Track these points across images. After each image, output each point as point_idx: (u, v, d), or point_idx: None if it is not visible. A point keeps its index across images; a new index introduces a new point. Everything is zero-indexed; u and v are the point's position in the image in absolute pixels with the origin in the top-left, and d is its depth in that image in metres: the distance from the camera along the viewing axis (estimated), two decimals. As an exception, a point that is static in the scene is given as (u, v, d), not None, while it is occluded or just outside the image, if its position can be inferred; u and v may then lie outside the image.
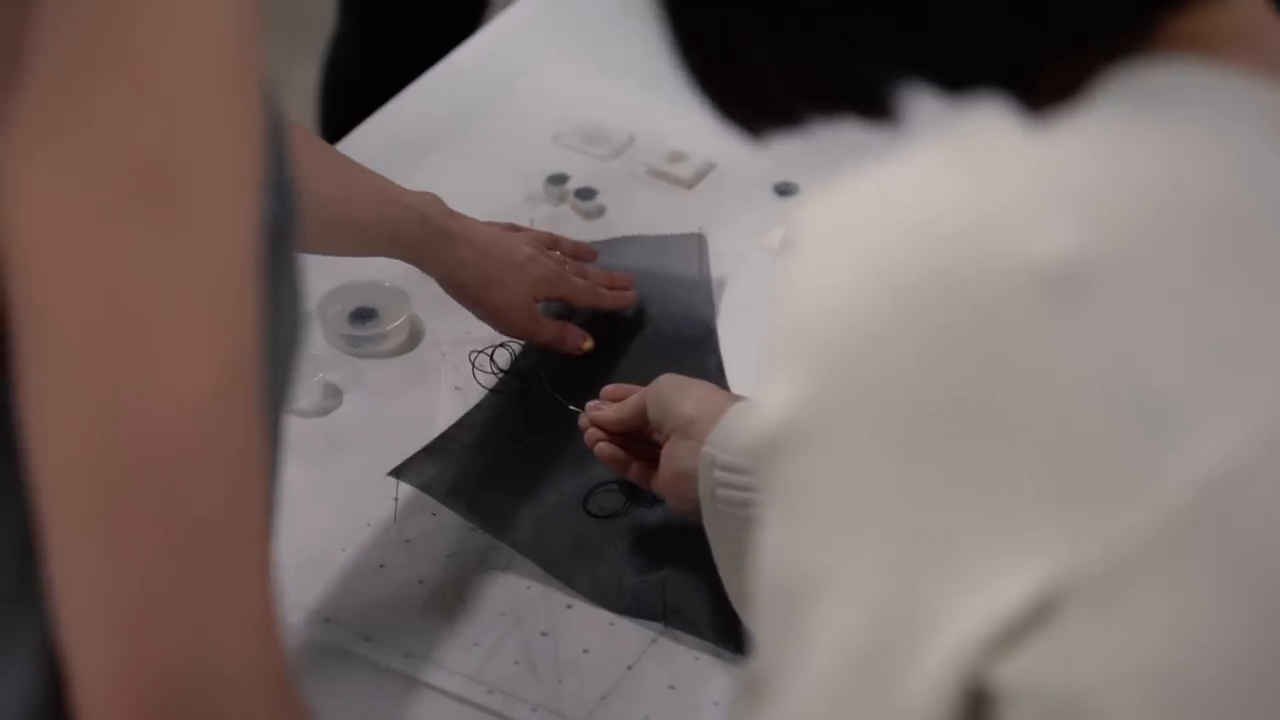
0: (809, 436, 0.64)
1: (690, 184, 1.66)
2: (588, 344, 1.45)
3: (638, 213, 1.63)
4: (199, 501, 0.66)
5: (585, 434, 1.30)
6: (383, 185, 1.39)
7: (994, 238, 0.62)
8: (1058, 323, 0.61)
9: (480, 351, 1.43)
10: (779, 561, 0.66)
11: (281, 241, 0.73)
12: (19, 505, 0.68)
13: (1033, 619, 0.61)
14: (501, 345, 1.44)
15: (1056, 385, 0.61)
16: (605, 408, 1.30)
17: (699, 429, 1.19)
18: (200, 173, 0.66)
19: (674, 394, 1.24)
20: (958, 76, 0.69)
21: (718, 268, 1.56)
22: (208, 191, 0.66)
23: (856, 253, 0.63)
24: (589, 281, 1.48)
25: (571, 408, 1.36)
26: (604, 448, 1.29)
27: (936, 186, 0.63)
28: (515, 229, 1.50)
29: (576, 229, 1.60)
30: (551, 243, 1.50)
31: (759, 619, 0.68)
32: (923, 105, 0.71)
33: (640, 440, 1.28)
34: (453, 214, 1.41)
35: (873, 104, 0.71)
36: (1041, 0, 0.66)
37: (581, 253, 1.53)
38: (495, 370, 1.43)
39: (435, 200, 1.41)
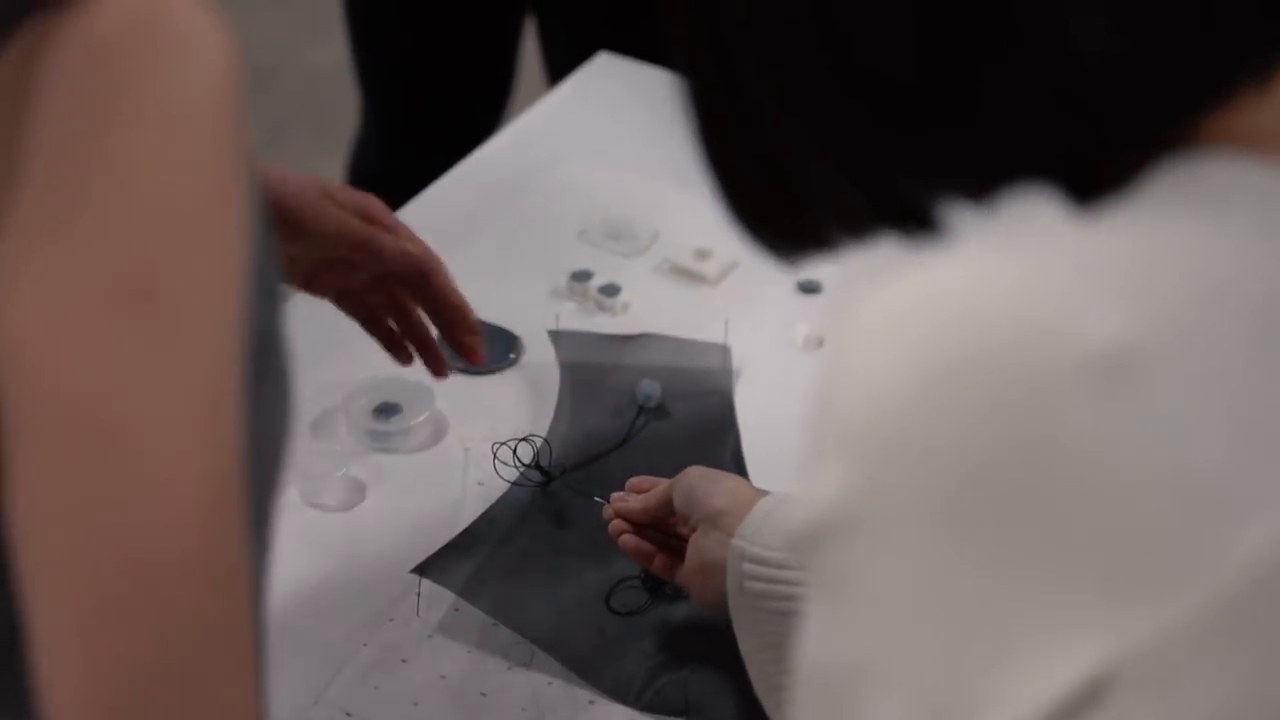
0: (856, 525, 0.64)
1: (714, 281, 1.67)
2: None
3: (662, 309, 1.63)
4: (185, 610, 0.67)
5: (610, 525, 1.30)
6: None
7: (1041, 325, 0.62)
8: (1106, 410, 0.61)
9: (503, 444, 1.43)
10: (824, 653, 0.66)
11: (268, 344, 0.74)
12: (6, 600, 0.68)
13: (1083, 703, 0.61)
14: (524, 439, 1.44)
15: (1105, 472, 0.61)
16: (630, 499, 1.30)
17: (728, 521, 1.19)
18: (186, 283, 0.67)
19: (703, 486, 1.24)
20: (1004, 175, 0.68)
21: (740, 364, 1.57)
22: (193, 301, 0.67)
23: (903, 341, 0.63)
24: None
25: (596, 499, 1.36)
26: (629, 539, 1.29)
27: (983, 275, 0.64)
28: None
29: (601, 325, 1.61)
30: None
31: (801, 713, 0.67)
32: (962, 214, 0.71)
33: (665, 533, 1.28)
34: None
35: (914, 219, 0.71)
36: (1090, 97, 0.66)
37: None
38: (518, 464, 1.43)
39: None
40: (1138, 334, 0.61)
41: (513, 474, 1.42)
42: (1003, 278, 0.63)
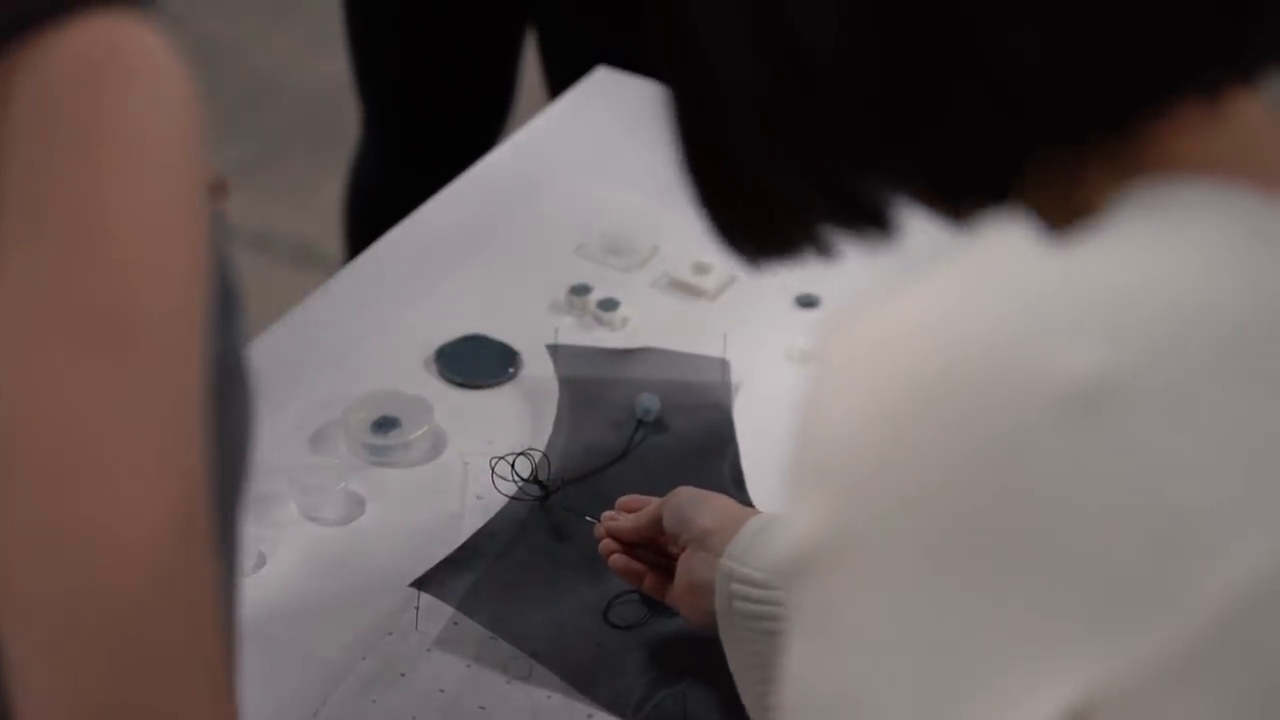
0: (836, 557, 0.64)
1: (713, 295, 1.67)
2: None
3: (661, 323, 1.63)
4: (154, 638, 0.68)
5: (600, 545, 1.30)
6: None
7: (1017, 357, 0.62)
8: (1084, 441, 0.61)
9: (501, 458, 1.43)
10: (806, 682, 0.66)
11: (229, 367, 0.75)
12: None
13: None
14: (522, 454, 1.44)
15: (1084, 504, 0.61)
16: (621, 518, 1.30)
17: (717, 541, 1.19)
18: (149, 312, 0.67)
19: (691, 506, 1.24)
20: (949, 180, 0.69)
21: (739, 378, 1.57)
22: (156, 330, 0.68)
23: (880, 373, 0.64)
24: None
25: (588, 519, 1.36)
26: (618, 559, 1.29)
27: (957, 306, 0.64)
28: None
29: (599, 339, 1.61)
30: None
31: None
32: (932, 228, 0.72)
33: (655, 551, 1.28)
34: None
35: (869, 219, 0.72)
36: (1022, 96, 0.67)
37: None
38: (516, 478, 1.43)
39: None
40: (1112, 367, 0.61)
41: (511, 488, 1.43)
42: (975, 311, 0.63)
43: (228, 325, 0.74)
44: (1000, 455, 0.62)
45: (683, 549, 1.23)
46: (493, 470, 1.43)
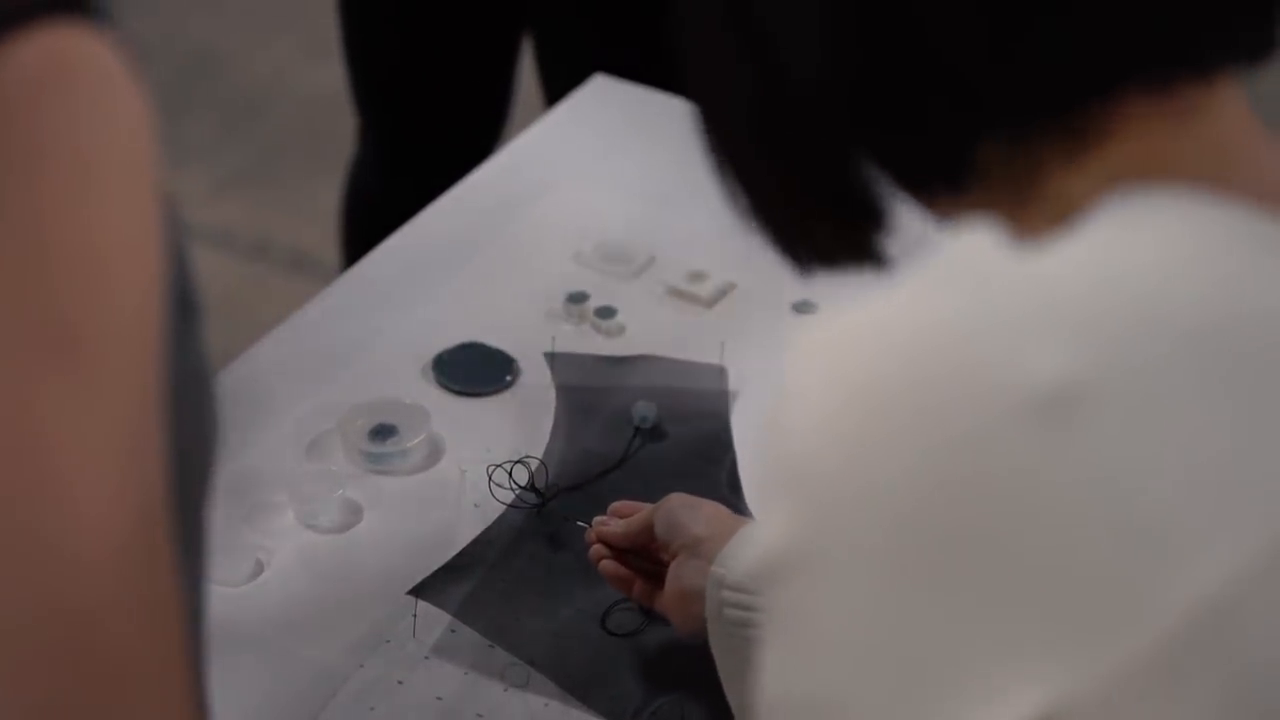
0: (806, 564, 0.64)
1: (710, 303, 1.67)
2: None
3: (657, 331, 1.63)
4: (116, 651, 0.67)
5: (590, 550, 1.30)
6: None
7: (982, 363, 0.62)
8: (1049, 447, 0.61)
9: (498, 466, 1.43)
10: (780, 688, 0.66)
11: (189, 382, 0.75)
12: None
13: None
14: (519, 461, 1.44)
15: (1050, 510, 0.61)
16: (612, 523, 1.30)
17: (709, 548, 1.19)
18: (104, 332, 0.67)
19: (683, 513, 1.24)
20: (914, 173, 0.70)
21: (736, 386, 1.57)
22: (110, 350, 0.67)
23: (845, 380, 0.64)
24: None
25: (580, 524, 1.36)
26: (608, 565, 1.29)
27: (923, 312, 0.64)
28: None
29: (596, 347, 1.61)
30: None
31: None
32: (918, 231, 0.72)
33: (646, 559, 1.28)
34: None
35: (861, 216, 0.72)
36: (973, 83, 0.67)
37: None
38: (513, 486, 1.43)
39: None
40: (1079, 371, 0.61)
41: (509, 496, 1.43)
42: (942, 314, 0.64)
43: (187, 332, 0.74)
44: (964, 461, 0.62)
45: (674, 556, 1.23)
46: (489, 479, 1.43)
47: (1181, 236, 0.66)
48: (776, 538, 0.65)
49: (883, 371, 0.63)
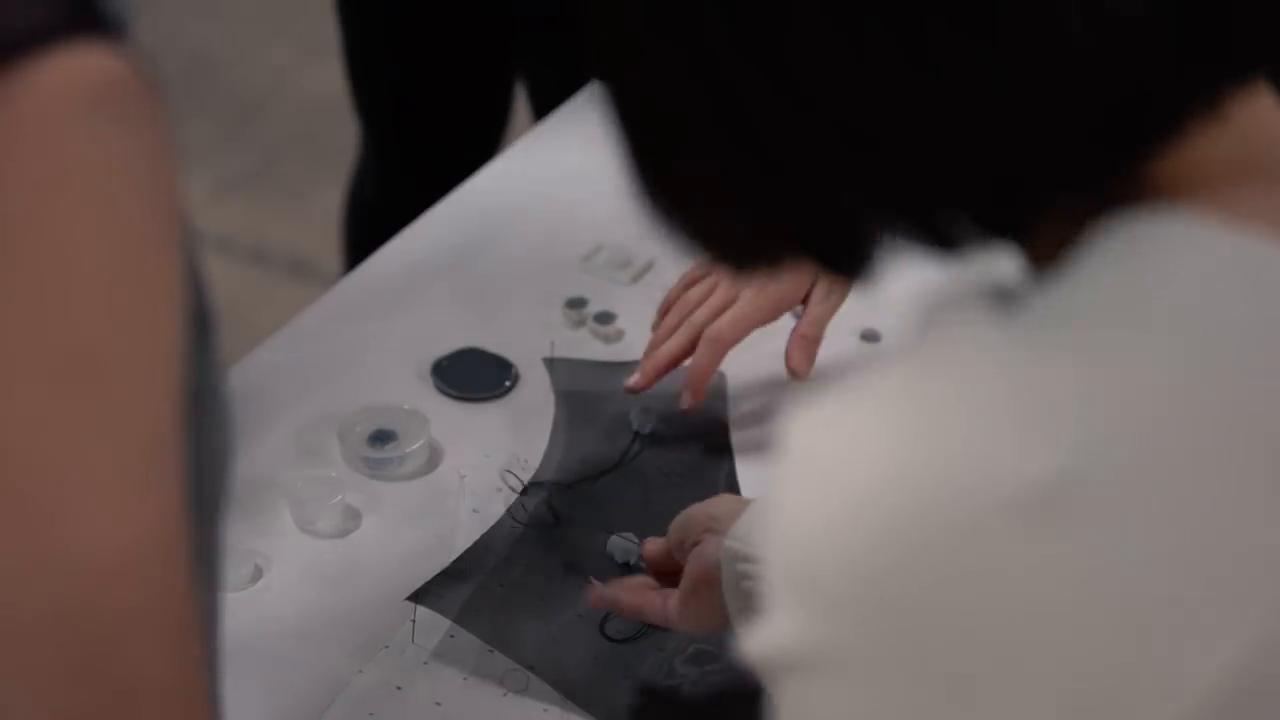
0: (813, 665, 0.64)
1: (708, 308, 1.67)
2: None
3: (656, 337, 1.63)
4: (131, 664, 0.68)
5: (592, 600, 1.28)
6: None
7: (975, 463, 0.62)
8: (1047, 544, 0.61)
9: (509, 471, 1.44)
10: None
11: (206, 398, 0.75)
12: None
13: None
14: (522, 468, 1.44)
15: (1054, 607, 0.61)
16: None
17: (726, 525, 1.17)
18: (120, 350, 0.68)
19: (698, 506, 1.22)
20: (918, 211, 0.68)
21: (734, 391, 1.57)
22: (128, 368, 0.68)
23: (840, 483, 0.64)
24: None
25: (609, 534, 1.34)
26: (608, 594, 1.27)
27: (911, 407, 0.64)
28: None
29: (595, 352, 1.61)
30: None
31: None
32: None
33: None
34: None
35: (842, 249, 0.71)
36: (994, 145, 0.65)
37: None
38: (519, 492, 1.43)
39: None
40: (1070, 467, 0.61)
41: (514, 500, 1.43)
42: (931, 410, 0.63)
43: (203, 348, 0.75)
44: (965, 564, 0.62)
45: (691, 547, 1.20)
46: (505, 485, 1.43)
47: (1180, 297, 0.64)
48: (784, 636, 0.65)
49: (876, 477, 0.63)
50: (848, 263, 0.71)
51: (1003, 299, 0.66)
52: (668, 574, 1.25)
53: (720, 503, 1.23)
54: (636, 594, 1.26)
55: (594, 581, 1.30)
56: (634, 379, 1.48)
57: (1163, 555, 0.61)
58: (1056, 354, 0.64)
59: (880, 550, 0.62)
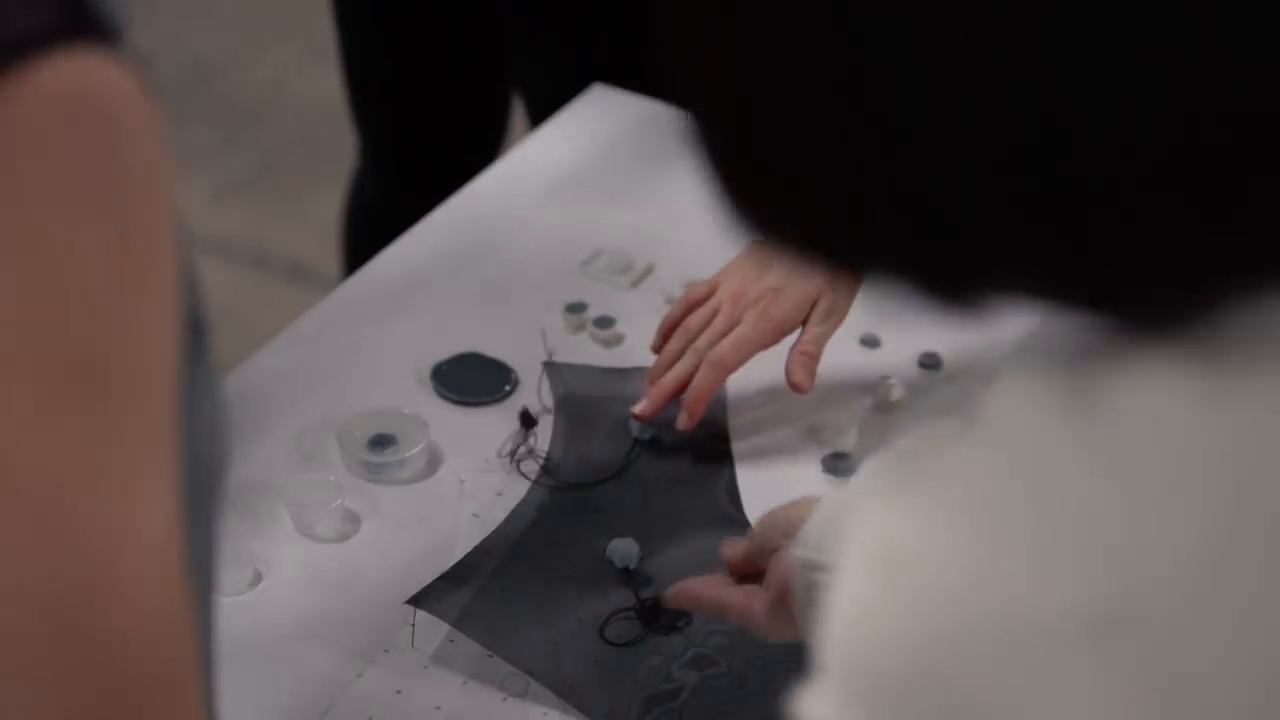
0: None
1: (707, 313, 1.67)
2: None
3: (655, 341, 1.63)
4: (127, 665, 0.68)
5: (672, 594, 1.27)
6: None
7: (1036, 582, 0.62)
8: (1109, 664, 0.61)
9: (518, 460, 1.45)
10: None
11: (202, 402, 0.75)
12: None
13: None
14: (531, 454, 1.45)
15: None
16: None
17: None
18: (116, 353, 0.68)
19: (779, 511, 1.17)
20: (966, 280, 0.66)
21: (734, 397, 1.57)
22: (124, 371, 0.68)
23: (906, 584, 0.64)
24: None
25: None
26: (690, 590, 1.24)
27: (983, 521, 0.64)
28: None
29: (595, 357, 1.61)
30: None
31: None
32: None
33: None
34: None
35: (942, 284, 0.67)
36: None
37: None
38: (535, 458, 1.46)
39: None
40: (1126, 590, 0.61)
41: (531, 469, 1.46)
42: (999, 520, 0.63)
43: (198, 352, 0.75)
44: (1024, 683, 0.62)
45: (775, 551, 1.15)
46: (517, 464, 1.46)
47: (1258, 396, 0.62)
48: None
49: (945, 584, 0.63)
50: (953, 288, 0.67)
51: (1075, 369, 0.64)
52: (748, 579, 1.20)
53: (802, 506, 1.15)
54: (720, 590, 1.22)
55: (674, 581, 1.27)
56: (641, 406, 1.49)
57: (1226, 665, 0.61)
58: (1118, 469, 0.62)
59: (939, 657, 0.63)
